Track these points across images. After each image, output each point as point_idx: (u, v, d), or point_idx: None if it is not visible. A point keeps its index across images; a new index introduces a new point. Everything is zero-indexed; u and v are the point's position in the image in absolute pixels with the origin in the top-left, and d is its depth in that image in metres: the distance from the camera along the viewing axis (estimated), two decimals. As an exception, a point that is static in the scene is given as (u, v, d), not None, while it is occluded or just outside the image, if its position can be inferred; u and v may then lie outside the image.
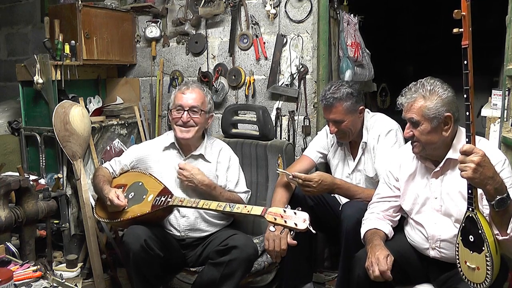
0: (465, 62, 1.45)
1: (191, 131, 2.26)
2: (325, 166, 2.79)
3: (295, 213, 1.81)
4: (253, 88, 3.03)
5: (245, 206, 1.96)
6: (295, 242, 2.01)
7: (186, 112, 2.25)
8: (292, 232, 1.82)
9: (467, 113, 1.48)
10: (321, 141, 2.47)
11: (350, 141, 2.36)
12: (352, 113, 2.21)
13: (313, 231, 1.79)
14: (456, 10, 1.42)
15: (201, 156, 2.32)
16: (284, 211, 1.83)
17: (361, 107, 2.25)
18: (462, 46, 1.44)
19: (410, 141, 1.82)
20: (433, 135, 1.73)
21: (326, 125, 2.58)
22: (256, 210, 1.91)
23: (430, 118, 1.70)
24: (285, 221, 1.81)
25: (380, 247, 1.76)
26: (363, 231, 1.93)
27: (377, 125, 2.27)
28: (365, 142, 2.27)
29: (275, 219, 1.83)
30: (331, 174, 2.44)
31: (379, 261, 1.69)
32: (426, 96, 1.71)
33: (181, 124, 2.25)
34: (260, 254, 2.24)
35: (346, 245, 2.07)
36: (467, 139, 1.50)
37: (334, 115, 2.20)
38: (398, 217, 1.99)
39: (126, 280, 2.67)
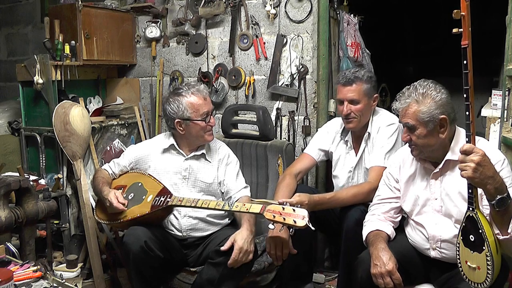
0: (465, 62, 1.45)
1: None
2: (326, 165, 2.78)
3: (294, 210, 1.79)
4: (253, 88, 3.03)
5: (244, 204, 1.95)
6: (295, 251, 2.04)
7: (211, 116, 2.28)
8: (291, 229, 1.81)
9: (467, 113, 1.48)
10: (322, 137, 2.46)
11: (354, 135, 2.36)
12: (368, 97, 2.23)
13: (312, 228, 1.77)
14: (455, 10, 1.42)
15: (203, 155, 2.33)
16: (283, 208, 1.81)
17: (375, 95, 2.27)
18: (462, 46, 1.44)
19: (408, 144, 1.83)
20: (430, 138, 1.73)
21: (327, 122, 2.57)
22: (255, 208, 1.90)
23: (425, 122, 1.70)
24: (284, 219, 1.79)
25: (386, 252, 1.75)
26: (365, 232, 1.93)
27: (380, 119, 2.29)
28: (369, 133, 2.28)
29: (274, 216, 1.81)
30: (332, 171, 2.44)
31: (392, 273, 1.69)
32: (419, 100, 1.71)
33: (210, 128, 2.29)
34: (261, 254, 2.24)
35: (345, 244, 2.07)
36: (467, 139, 1.50)
37: (352, 93, 2.20)
38: (399, 218, 1.99)
39: (126, 280, 2.67)
